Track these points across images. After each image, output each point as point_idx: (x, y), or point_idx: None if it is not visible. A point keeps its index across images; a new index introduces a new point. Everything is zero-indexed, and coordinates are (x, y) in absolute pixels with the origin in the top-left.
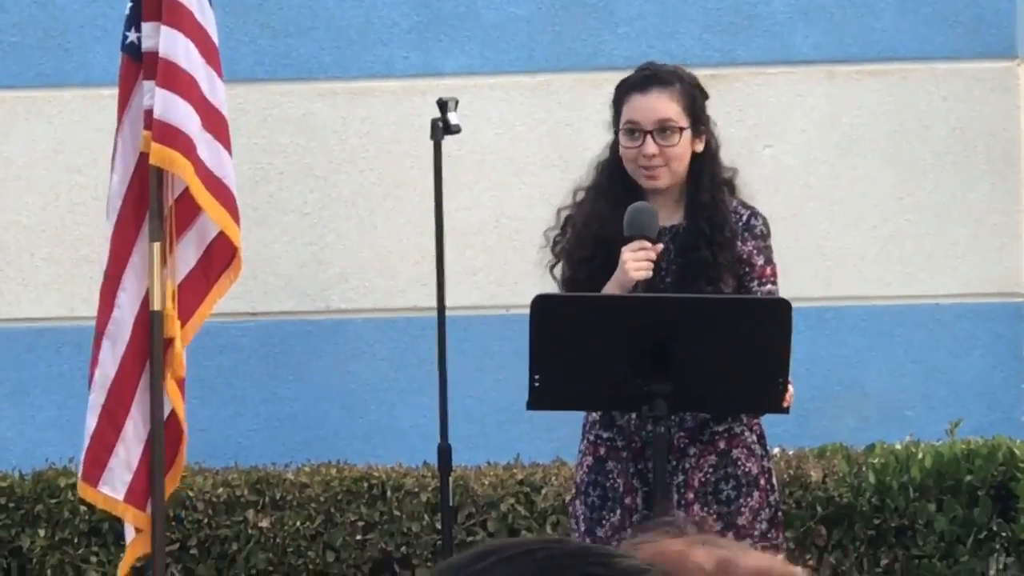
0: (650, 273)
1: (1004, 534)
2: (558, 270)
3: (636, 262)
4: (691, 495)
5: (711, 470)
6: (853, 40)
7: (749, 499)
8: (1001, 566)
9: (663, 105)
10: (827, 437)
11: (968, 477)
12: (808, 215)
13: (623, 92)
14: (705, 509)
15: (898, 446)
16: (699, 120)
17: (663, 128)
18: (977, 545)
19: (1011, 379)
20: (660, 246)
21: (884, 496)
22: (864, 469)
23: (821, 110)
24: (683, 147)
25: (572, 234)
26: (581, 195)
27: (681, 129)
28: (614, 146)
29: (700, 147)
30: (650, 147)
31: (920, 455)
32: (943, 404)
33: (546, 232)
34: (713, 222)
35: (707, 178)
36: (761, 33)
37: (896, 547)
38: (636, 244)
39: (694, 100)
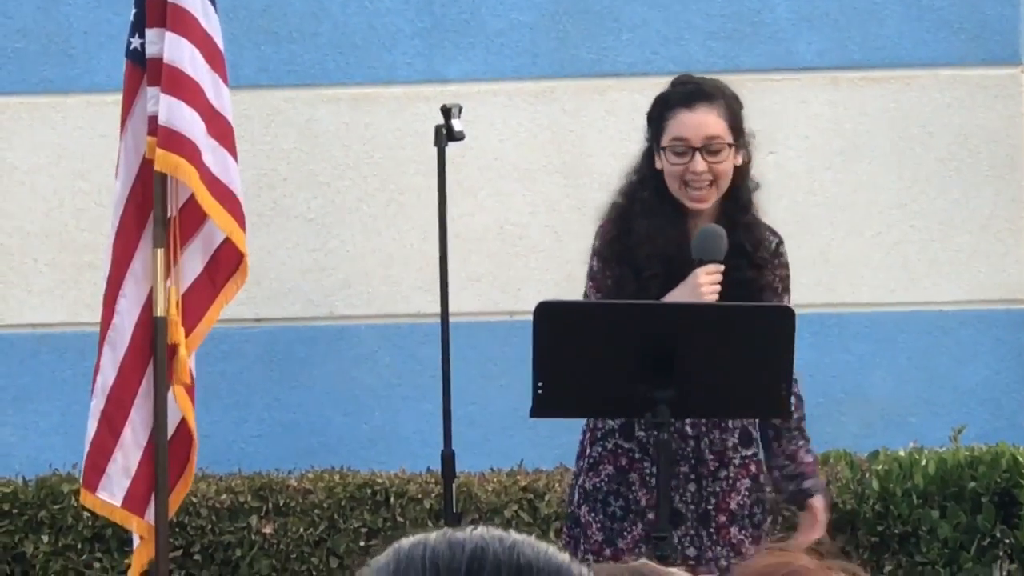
0: (716, 296)
1: (1008, 541)
2: (604, 281)
3: (712, 286)
4: (723, 518)
5: (747, 493)
6: (857, 47)
7: (767, 522)
8: (1005, 573)
9: (711, 121)
10: (830, 444)
11: (972, 484)
12: (811, 221)
13: (666, 107)
14: (743, 532)
15: (901, 453)
16: (740, 134)
17: (711, 146)
18: (981, 552)
19: (1015, 385)
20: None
21: (888, 503)
22: (867, 476)
23: (825, 116)
24: (729, 164)
25: (638, 250)
26: (621, 201)
27: (728, 146)
28: (649, 160)
29: (740, 161)
30: (699, 164)
31: (923, 462)
32: (946, 411)
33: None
34: (752, 241)
35: (744, 194)
36: (765, 39)
37: (899, 554)
38: (713, 268)
39: (735, 115)
